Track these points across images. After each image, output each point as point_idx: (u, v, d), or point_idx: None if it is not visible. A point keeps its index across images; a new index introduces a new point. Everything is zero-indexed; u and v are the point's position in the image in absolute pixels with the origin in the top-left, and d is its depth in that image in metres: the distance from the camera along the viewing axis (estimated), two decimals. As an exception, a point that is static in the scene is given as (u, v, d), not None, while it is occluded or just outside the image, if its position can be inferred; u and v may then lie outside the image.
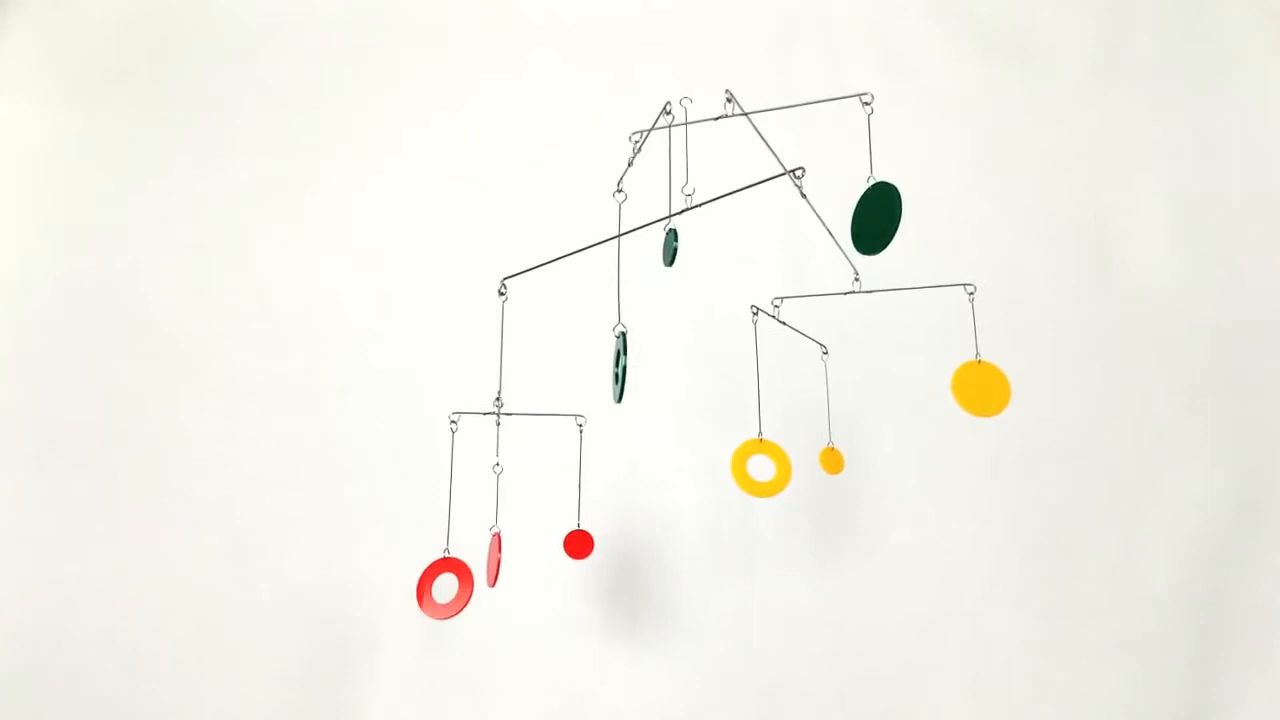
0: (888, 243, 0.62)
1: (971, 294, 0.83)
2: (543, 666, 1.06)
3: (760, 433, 0.83)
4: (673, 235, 0.68)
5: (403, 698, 1.05)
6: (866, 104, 0.69)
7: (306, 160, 1.21)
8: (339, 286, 1.16)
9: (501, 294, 0.75)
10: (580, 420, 0.90)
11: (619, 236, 0.72)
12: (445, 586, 0.78)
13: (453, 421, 0.86)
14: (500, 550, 0.83)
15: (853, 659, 1.06)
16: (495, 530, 0.85)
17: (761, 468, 0.81)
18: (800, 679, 1.05)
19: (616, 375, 0.69)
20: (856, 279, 0.84)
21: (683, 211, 0.69)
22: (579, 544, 0.88)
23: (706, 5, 1.26)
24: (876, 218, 0.62)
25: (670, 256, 0.68)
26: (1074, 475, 1.10)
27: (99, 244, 1.16)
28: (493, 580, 0.82)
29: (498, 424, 0.81)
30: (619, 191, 0.73)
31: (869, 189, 0.62)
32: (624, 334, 0.68)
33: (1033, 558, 1.08)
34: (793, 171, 0.64)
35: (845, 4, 1.25)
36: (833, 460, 0.91)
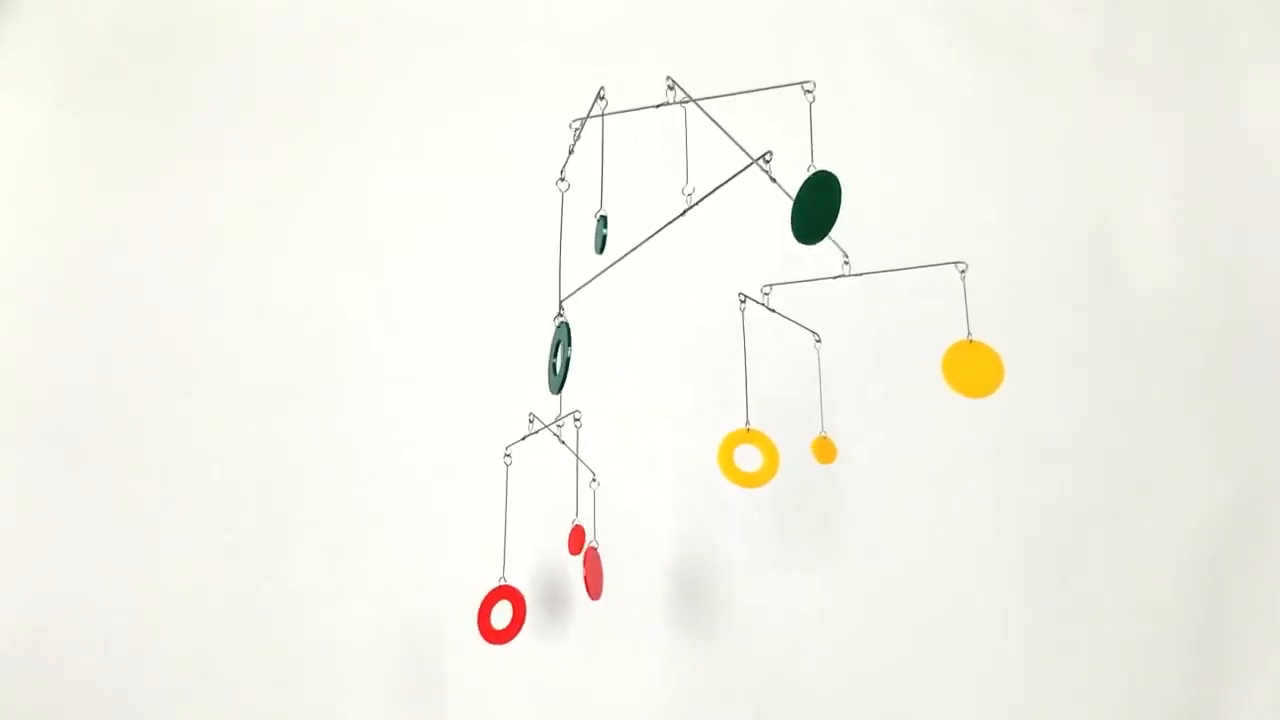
0: (827, 232, 0.61)
1: (963, 271, 0.82)
2: (543, 667, 1.05)
3: (748, 422, 0.82)
4: (602, 222, 0.68)
5: (403, 700, 1.05)
6: (808, 92, 0.68)
7: (307, 160, 1.20)
8: (339, 286, 1.16)
9: (559, 315, 0.75)
10: (577, 416, 0.90)
11: (646, 238, 0.72)
12: (501, 614, 0.80)
13: (506, 456, 0.86)
14: (600, 563, 0.83)
15: (853, 658, 1.06)
16: (592, 544, 0.85)
17: (749, 458, 0.80)
18: (800, 679, 1.05)
19: (553, 366, 0.69)
20: (846, 261, 0.83)
21: (684, 213, 0.69)
22: (575, 540, 0.87)
23: (707, 5, 1.26)
24: (818, 207, 0.61)
25: (600, 244, 0.68)
26: (1074, 475, 1.10)
27: (99, 244, 1.16)
28: (596, 593, 0.82)
29: (565, 438, 0.81)
30: (561, 180, 0.73)
31: (808, 179, 0.61)
32: (566, 324, 0.68)
33: (1033, 558, 1.08)
34: (762, 157, 0.64)
35: (845, 4, 1.25)
36: (825, 449, 0.89)
